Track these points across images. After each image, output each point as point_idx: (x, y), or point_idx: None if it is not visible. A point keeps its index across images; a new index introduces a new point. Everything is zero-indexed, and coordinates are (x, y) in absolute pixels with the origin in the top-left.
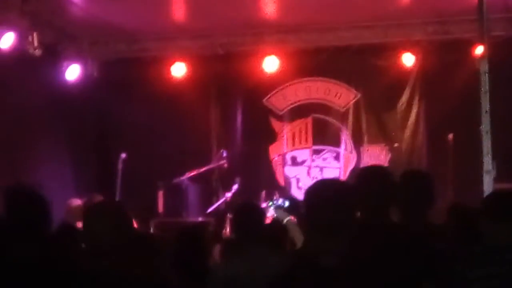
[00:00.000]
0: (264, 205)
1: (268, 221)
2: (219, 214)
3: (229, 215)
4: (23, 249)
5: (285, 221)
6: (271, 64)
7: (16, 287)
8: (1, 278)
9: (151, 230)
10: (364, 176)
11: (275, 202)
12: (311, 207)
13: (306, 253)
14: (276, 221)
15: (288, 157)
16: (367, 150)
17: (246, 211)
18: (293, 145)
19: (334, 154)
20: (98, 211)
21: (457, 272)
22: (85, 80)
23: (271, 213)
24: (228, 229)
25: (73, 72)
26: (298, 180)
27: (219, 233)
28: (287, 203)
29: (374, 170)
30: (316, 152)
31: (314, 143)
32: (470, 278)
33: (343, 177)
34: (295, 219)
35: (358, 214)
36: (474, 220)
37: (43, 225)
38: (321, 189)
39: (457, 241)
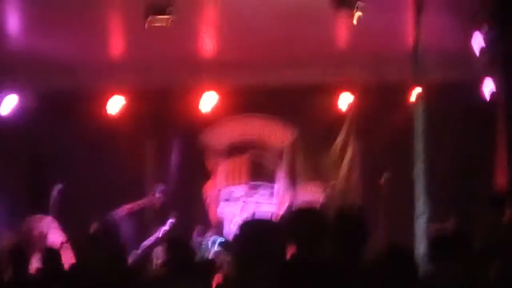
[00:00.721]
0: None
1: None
2: (151, 249)
3: (161, 248)
4: None
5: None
6: (208, 100)
7: None
8: None
9: None
10: (296, 216)
11: (213, 240)
12: (238, 242)
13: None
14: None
15: (223, 193)
16: (303, 188)
17: (175, 247)
18: (229, 181)
19: (270, 191)
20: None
21: None
22: (21, 111)
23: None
24: (158, 262)
25: (8, 104)
26: (233, 216)
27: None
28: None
29: (306, 209)
30: (253, 187)
31: (251, 179)
32: None
33: (279, 213)
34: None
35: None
36: (410, 260)
37: None
38: (249, 226)
39: (393, 279)
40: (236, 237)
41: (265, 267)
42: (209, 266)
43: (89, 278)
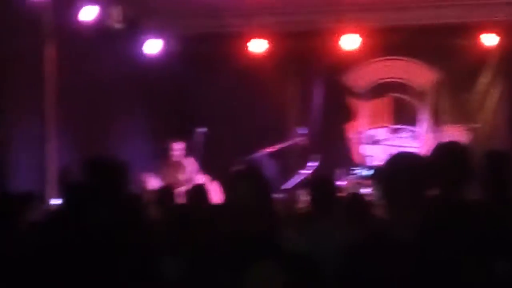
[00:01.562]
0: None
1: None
2: (294, 191)
3: (304, 192)
4: (100, 213)
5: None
6: (351, 42)
7: (88, 247)
8: (78, 238)
9: None
10: (442, 151)
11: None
12: (387, 178)
13: (379, 226)
14: (357, 195)
15: (366, 135)
16: (446, 130)
17: (320, 187)
18: (372, 123)
19: (413, 134)
20: (242, 176)
21: None
22: (165, 54)
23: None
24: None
25: (153, 47)
26: (375, 159)
27: (293, 209)
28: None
29: (453, 145)
30: (394, 131)
31: (393, 122)
32: None
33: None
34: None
35: (435, 190)
36: None
37: (120, 191)
38: (399, 161)
39: None
40: (384, 170)
41: (412, 199)
42: (351, 205)
43: (235, 214)
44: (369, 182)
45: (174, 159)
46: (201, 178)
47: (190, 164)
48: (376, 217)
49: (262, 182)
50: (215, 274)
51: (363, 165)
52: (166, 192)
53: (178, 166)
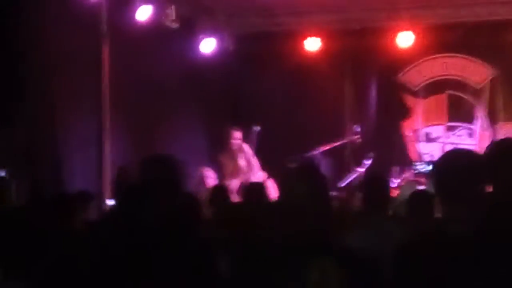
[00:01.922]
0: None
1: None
2: (350, 189)
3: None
4: (155, 212)
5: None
6: (405, 39)
7: (142, 246)
8: (132, 239)
9: None
10: (498, 148)
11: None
12: (441, 173)
13: (434, 221)
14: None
15: (422, 133)
16: (503, 127)
17: (373, 184)
18: (428, 121)
19: (469, 131)
20: (299, 174)
21: None
22: (220, 53)
23: None
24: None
25: (208, 45)
26: (432, 157)
27: (349, 207)
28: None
29: (509, 142)
30: (451, 128)
31: (449, 119)
32: None
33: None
34: None
35: (490, 187)
36: None
37: (175, 190)
38: (454, 157)
39: None
40: (438, 165)
41: (467, 198)
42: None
43: (292, 212)
44: (423, 179)
45: (233, 147)
46: (259, 174)
47: (248, 150)
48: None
49: (319, 180)
50: (269, 273)
51: (423, 161)
52: (219, 190)
53: (238, 152)
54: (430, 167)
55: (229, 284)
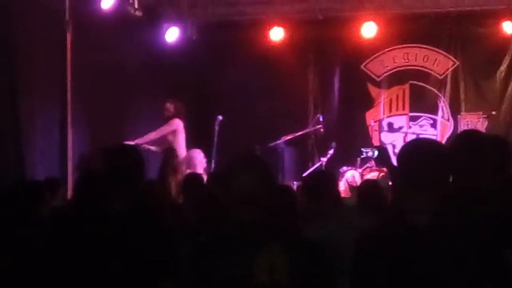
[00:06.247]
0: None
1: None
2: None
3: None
4: (116, 200)
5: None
6: (369, 30)
7: (106, 235)
8: (94, 227)
9: None
10: (461, 139)
11: (364, 154)
12: (404, 162)
13: (395, 210)
14: (369, 182)
15: (384, 123)
16: (465, 118)
17: (318, 179)
18: (390, 111)
19: (431, 122)
20: (243, 162)
21: None
22: (183, 42)
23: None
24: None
25: (172, 34)
26: (394, 147)
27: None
28: (376, 153)
29: (471, 133)
30: (413, 119)
31: (411, 110)
32: None
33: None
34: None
35: (453, 177)
36: None
37: (136, 179)
38: (417, 146)
39: None
40: (402, 154)
41: (430, 186)
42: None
43: (237, 201)
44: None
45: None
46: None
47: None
48: (390, 203)
49: (263, 170)
50: (222, 260)
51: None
52: (192, 178)
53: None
54: (376, 153)
55: (187, 271)
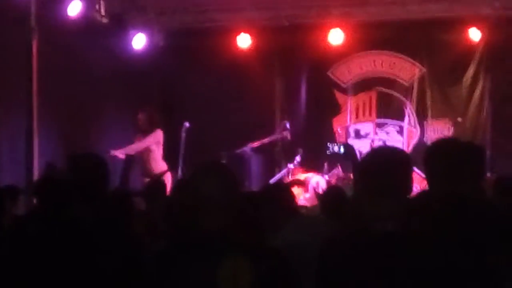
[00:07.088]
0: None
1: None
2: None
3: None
4: (81, 209)
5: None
6: (336, 36)
7: (70, 243)
8: (58, 235)
9: None
10: (439, 147)
11: (330, 149)
12: (367, 169)
13: (359, 217)
14: (333, 188)
15: (351, 130)
16: (431, 124)
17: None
18: (357, 118)
19: (397, 128)
20: (207, 170)
21: None
22: (150, 49)
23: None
24: None
25: (139, 42)
26: (360, 153)
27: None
28: (342, 149)
29: (450, 142)
30: (380, 125)
31: (378, 116)
32: None
33: (406, 151)
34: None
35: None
36: None
37: (101, 187)
38: (379, 153)
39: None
40: (364, 161)
41: (392, 193)
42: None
43: (200, 209)
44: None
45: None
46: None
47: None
48: (354, 210)
49: (229, 177)
50: (185, 268)
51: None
52: (155, 184)
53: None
54: (342, 149)
55: (152, 279)
